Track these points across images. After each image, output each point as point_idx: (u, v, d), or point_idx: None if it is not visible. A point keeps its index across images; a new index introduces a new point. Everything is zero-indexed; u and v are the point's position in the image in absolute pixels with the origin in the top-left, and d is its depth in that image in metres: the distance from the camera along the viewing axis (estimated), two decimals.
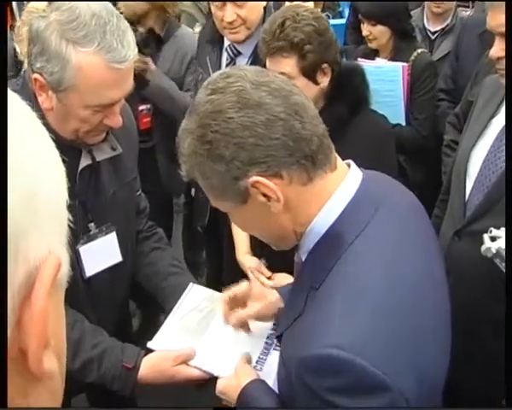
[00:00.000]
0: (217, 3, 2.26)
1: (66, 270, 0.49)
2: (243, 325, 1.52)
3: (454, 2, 3.30)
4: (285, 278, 1.93)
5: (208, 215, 2.66)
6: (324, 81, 1.85)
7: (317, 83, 1.84)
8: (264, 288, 1.55)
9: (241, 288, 1.53)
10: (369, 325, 0.95)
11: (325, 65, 1.83)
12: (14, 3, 3.10)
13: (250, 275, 2.06)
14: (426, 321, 1.03)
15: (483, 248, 1.47)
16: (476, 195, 1.75)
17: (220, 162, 1.00)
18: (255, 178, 0.99)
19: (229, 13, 2.22)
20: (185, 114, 1.08)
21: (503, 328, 1.01)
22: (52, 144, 0.50)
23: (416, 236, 1.13)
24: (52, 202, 0.47)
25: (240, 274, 2.11)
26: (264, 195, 1.01)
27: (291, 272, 1.85)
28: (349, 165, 1.13)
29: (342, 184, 1.07)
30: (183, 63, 2.82)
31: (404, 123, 2.84)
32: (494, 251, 1.44)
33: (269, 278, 2.00)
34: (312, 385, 0.96)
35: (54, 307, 0.47)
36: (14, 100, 0.47)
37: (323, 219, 1.05)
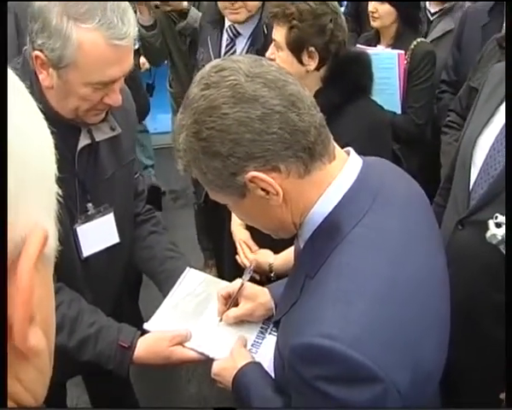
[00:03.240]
0: None
1: (53, 245, 0.48)
2: (235, 322, 1.56)
3: None
4: (266, 255, 1.99)
5: (204, 194, 2.70)
6: (311, 64, 1.84)
7: (302, 63, 1.84)
8: (257, 288, 1.57)
9: (234, 287, 1.56)
10: (363, 317, 0.93)
11: (312, 48, 1.82)
12: None
13: (238, 246, 2.11)
14: (424, 314, 1.01)
15: (488, 234, 1.43)
16: (481, 184, 1.72)
17: (217, 159, 0.98)
18: (253, 173, 0.98)
19: None
20: None
21: (504, 318, 1.00)
22: (41, 117, 0.48)
23: (417, 226, 1.11)
24: (40, 173, 0.45)
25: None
26: (263, 189, 1.00)
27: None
28: (348, 153, 1.11)
29: (341, 173, 1.06)
30: None
31: (399, 112, 2.81)
32: (500, 238, 1.41)
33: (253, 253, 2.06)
34: (303, 373, 0.95)
35: (41, 283, 0.46)
36: (8, 73, 0.46)
37: (321, 209, 1.04)
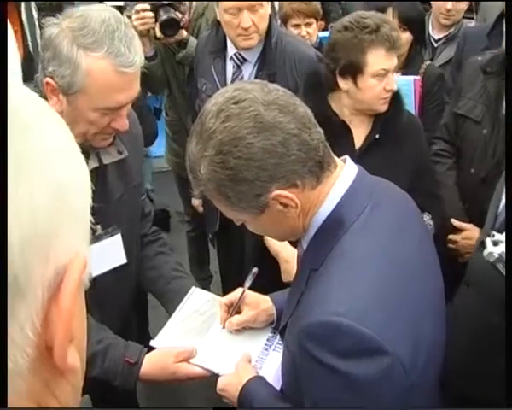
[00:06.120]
0: (232, 11, 2.34)
1: (88, 271, 0.51)
2: (239, 330, 1.61)
3: (462, 15, 3.20)
4: None
5: (219, 221, 2.71)
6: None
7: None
8: (258, 296, 1.62)
9: (236, 295, 1.61)
10: (366, 294, 1.02)
11: None
12: (22, 6, 3.11)
13: None
14: (419, 297, 1.10)
15: (485, 252, 1.44)
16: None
17: (243, 184, 1.06)
18: (276, 192, 1.07)
19: (246, 19, 2.32)
20: None
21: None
22: (77, 147, 0.52)
23: (408, 221, 1.22)
24: (78, 202, 0.49)
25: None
26: (281, 203, 1.09)
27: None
28: (344, 160, 1.21)
29: (340, 176, 1.15)
30: None
31: None
32: (496, 256, 1.43)
33: None
34: (313, 351, 1.01)
35: (77, 306, 0.49)
36: (44, 105, 0.50)
37: (324, 209, 1.13)
